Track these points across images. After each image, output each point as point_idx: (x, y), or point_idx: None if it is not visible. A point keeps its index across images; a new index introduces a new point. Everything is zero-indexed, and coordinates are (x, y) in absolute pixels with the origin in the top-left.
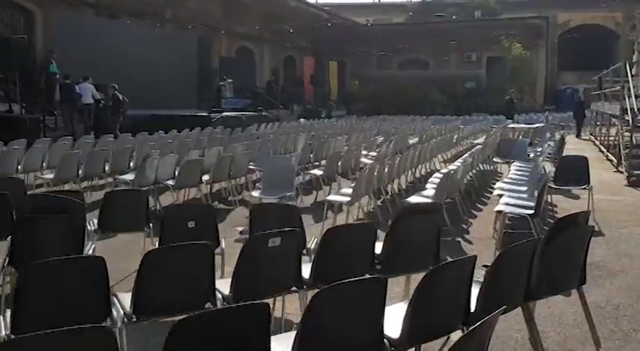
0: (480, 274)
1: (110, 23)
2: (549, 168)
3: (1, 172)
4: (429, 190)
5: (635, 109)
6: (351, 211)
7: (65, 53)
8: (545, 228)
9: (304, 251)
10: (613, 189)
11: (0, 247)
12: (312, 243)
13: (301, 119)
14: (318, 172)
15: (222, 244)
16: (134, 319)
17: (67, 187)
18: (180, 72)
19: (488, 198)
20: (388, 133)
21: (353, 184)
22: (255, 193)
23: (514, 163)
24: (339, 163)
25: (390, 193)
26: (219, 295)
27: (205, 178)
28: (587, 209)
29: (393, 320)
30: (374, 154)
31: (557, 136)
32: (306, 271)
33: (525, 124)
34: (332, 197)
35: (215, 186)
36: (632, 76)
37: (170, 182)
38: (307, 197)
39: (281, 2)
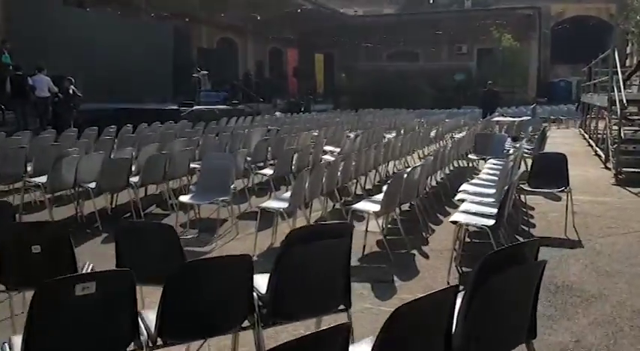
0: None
1: (76, 11)
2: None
3: None
4: (382, 194)
5: (625, 101)
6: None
7: (23, 43)
8: (520, 238)
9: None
10: (599, 188)
11: None
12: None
13: (277, 113)
14: (268, 171)
15: (88, 269)
16: None
17: None
18: (155, 63)
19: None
20: (365, 127)
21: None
22: (184, 198)
23: (489, 161)
24: (294, 161)
25: (349, 196)
26: None
27: (135, 180)
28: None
29: None
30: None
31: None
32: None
33: (513, 117)
34: (267, 204)
35: (154, 188)
36: (624, 66)
37: (92, 185)
38: (261, 200)
39: None
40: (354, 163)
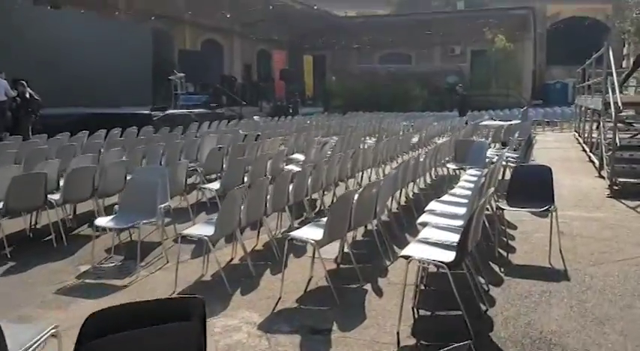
0: None
1: (47, 12)
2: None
3: None
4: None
5: (620, 104)
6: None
7: None
8: (495, 267)
9: None
10: (591, 202)
11: None
12: None
13: (255, 117)
14: (214, 186)
15: None
16: None
17: None
18: (132, 66)
19: None
20: (345, 133)
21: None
22: (101, 221)
23: (468, 171)
24: (245, 174)
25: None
26: None
27: (55, 197)
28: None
29: None
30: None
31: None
32: None
33: (502, 121)
34: (189, 231)
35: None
36: (621, 68)
37: None
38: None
39: None
40: (310, 175)
